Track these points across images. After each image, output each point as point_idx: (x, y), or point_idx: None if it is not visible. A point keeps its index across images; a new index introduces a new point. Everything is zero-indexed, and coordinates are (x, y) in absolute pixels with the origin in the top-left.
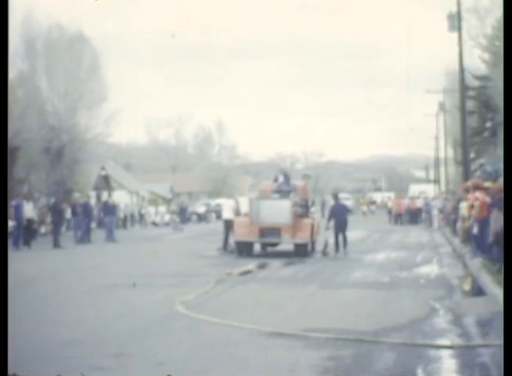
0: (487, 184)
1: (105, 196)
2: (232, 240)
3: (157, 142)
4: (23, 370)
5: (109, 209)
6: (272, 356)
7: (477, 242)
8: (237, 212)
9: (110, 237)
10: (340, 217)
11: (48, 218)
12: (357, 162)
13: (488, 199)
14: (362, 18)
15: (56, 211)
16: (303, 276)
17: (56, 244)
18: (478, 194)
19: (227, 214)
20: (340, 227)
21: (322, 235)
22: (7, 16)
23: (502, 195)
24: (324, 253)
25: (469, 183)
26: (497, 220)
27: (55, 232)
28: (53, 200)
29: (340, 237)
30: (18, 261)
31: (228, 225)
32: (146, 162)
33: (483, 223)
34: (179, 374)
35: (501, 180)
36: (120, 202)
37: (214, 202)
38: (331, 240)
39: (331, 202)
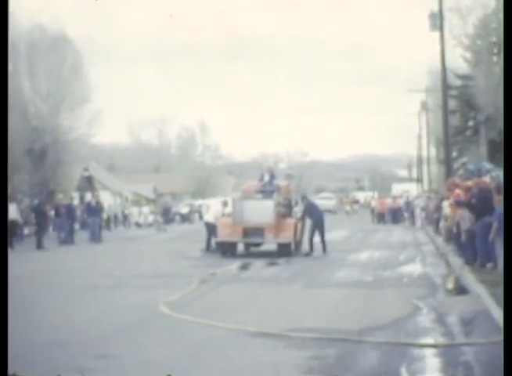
0: (469, 183)
1: (88, 197)
2: (213, 242)
3: (140, 143)
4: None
5: (92, 210)
6: (255, 355)
7: (454, 239)
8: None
9: (94, 238)
10: (317, 216)
11: (32, 220)
12: (340, 161)
13: (460, 197)
14: (345, 17)
15: (40, 213)
16: (286, 275)
17: (40, 246)
18: (458, 191)
19: (209, 216)
20: (319, 226)
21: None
22: (7, 15)
23: (470, 194)
24: (307, 253)
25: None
26: (464, 218)
27: (39, 233)
28: (36, 202)
29: (318, 237)
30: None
31: (210, 228)
32: (129, 163)
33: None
34: (163, 375)
35: (475, 179)
36: (103, 203)
37: (197, 202)
38: (316, 240)
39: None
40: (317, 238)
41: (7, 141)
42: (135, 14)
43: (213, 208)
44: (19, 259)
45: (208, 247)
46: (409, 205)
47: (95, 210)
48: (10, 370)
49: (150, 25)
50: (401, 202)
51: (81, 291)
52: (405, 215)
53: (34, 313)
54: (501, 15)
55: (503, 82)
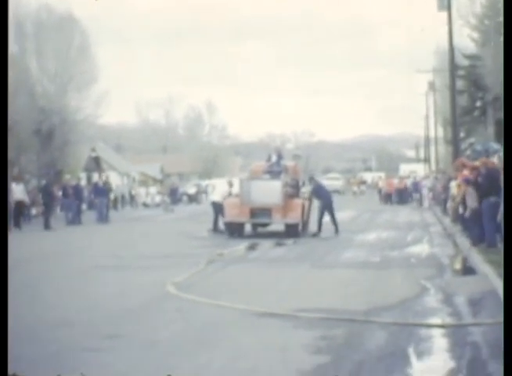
0: (476, 163)
1: (96, 177)
2: (221, 222)
3: (147, 123)
4: (20, 359)
5: (99, 190)
6: (263, 336)
7: (462, 220)
8: (229, 195)
9: (101, 219)
10: (325, 198)
11: (39, 200)
12: (347, 142)
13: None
14: None
15: (47, 193)
16: (294, 256)
17: (47, 226)
18: (466, 172)
19: (215, 196)
20: (328, 207)
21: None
22: (7, 15)
23: (477, 172)
24: (315, 234)
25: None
26: (471, 196)
27: (46, 213)
28: (44, 182)
29: (328, 218)
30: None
31: (217, 207)
32: (137, 143)
33: (465, 201)
34: (171, 355)
35: (483, 159)
36: (111, 183)
37: (204, 183)
38: (325, 221)
39: (329, 183)
40: (326, 219)
41: (7, 121)
42: None
43: (219, 188)
44: (26, 239)
45: (215, 228)
46: (417, 186)
47: (102, 190)
48: (10, 370)
49: (157, 5)
50: (408, 182)
51: (88, 271)
52: (414, 195)
53: (43, 293)
54: None
55: (504, 77)
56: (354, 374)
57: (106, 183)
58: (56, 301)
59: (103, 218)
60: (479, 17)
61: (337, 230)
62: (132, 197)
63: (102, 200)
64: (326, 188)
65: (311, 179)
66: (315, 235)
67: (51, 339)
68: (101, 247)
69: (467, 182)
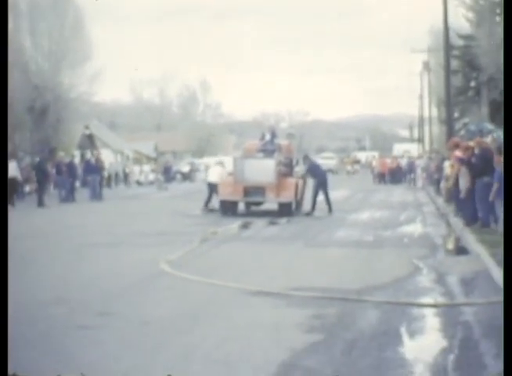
0: (470, 143)
1: (88, 155)
2: (214, 200)
3: (142, 101)
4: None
5: (91, 168)
6: (256, 314)
7: (455, 200)
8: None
9: (94, 196)
10: (320, 176)
11: (33, 177)
12: (341, 121)
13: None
14: None
15: (41, 170)
16: (287, 235)
17: (41, 203)
18: (458, 153)
19: (212, 177)
20: (322, 186)
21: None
22: (6, 14)
23: (471, 152)
24: (308, 213)
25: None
26: (465, 176)
27: (40, 191)
28: (38, 159)
29: (323, 197)
30: None
31: (213, 187)
32: (131, 121)
33: (458, 181)
34: (164, 333)
35: (477, 139)
36: (103, 161)
37: (198, 161)
38: (318, 200)
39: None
40: (320, 198)
41: (7, 99)
42: None
43: (215, 169)
44: (20, 217)
45: (207, 205)
46: (412, 165)
47: (94, 168)
48: (10, 369)
49: None
50: (402, 162)
51: (81, 249)
52: (410, 175)
53: (36, 270)
54: None
55: (504, 74)
56: (346, 352)
57: (99, 161)
58: (49, 278)
59: (96, 196)
60: None
61: (330, 209)
62: (126, 175)
63: (94, 178)
64: (321, 167)
65: (306, 158)
66: (308, 214)
67: (43, 316)
68: (94, 225)
69: (461, 162)
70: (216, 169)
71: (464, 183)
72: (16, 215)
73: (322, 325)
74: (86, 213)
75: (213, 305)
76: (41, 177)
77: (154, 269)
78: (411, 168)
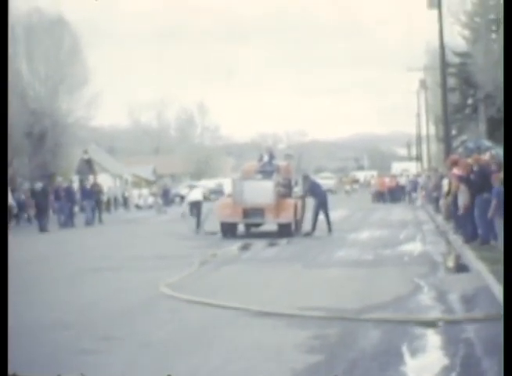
0: (469, 160)
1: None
2: (203, 221)
3: (139, 125)
4: (16, 361)
5: (86, 193)
6: (257, 335)
7: (454, 217)
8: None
9: (88, 221)
10: (320, 196)
11: (31, 203)
12: (339, 141)
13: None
14: None
15: (44, 196)
16: (287, 255)
17: (43, 228)
18: (456, 170)
19: (194, 195)
20: (323, 206)
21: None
22: (7, 15)
23: (470, 169)
24: (307, 233)
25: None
26: (464, 194)
27: (42, 216)
28: (41, 185)
29: (322, 217)
30: None
31: (197, 206)
32: (129, 145)
33: (456, 198)
34: (166, 356)
35: (475, 156)
36: (101, 185)
37: (197, 184)
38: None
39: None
40: (320, 217)
41: (6, 139)
42: None
43: (195, 191)
44: (22, 242)
45: (198, 226)
46: (416, 184)
47: (89, 193)
48: (10, 369)
49: (148, 6)
50: (400, 181)
51: (82, 274)
52: (413, 194)
53: (38, 295)
54: None
55: (504, 79)
56: (348, 372)
57: (95, 185)
58: (51, 302)
59: (89, 221)
60: (470, 15)
61: (330, 229)
62: (125, 199)
63: (89, 203)
64: (321, 186)
65: (306, 177)
66: (308, 234)
67: (46, 340)
68: (95, 249)
69: (460, 179)
70: (197, 190)
71: (463, 200)
72: (19, 240)
73: (324, 345)
74: (86, 238)
75: (214, 327)
76: (45, 202)
77: (154, 292)
78: (414, 186)
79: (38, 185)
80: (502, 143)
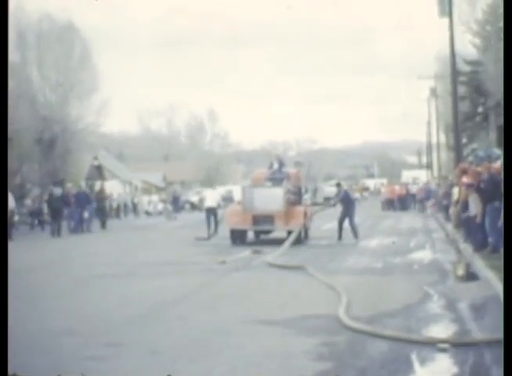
0: (479, 168)
1: (97, 185)
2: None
3: (149, 131)
4: (21, 367)
5: (80, 198)
6: (265, 343)
7: (464, 225)
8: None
9: (76, 229)
10: (352, 205)
11: (43, 209)
12: (349, 149)
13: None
14: (353, 2)
15: (62, 201)
16: (296, 263)
17: (58, 233)
18: (465, 179)
19: (210, 202)
20: (351, 213)
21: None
22: (7, 15)
23: (479, 177)
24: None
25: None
26: (475, 201)
27: (57, 221)
28: (60, 190)
29: (348, 224)
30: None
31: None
32: (139, 151)
33: (466, 207)
34: (174, 363)
35: (486, 164)
36: (113, 191)
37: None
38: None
39: (331, 190)
40: (328, 225)
41: (6, 140)
42: (141, 3)
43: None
44: (34, 247)
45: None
46: (430, 192)
47: (83, 198)
48: (10, 370)
49: (158, 13)
50: (411, 189)
51: (92, 279)
52: (429, 202)
53: (46, 301)
54: None
55: (504, 80)
56: None
57: (100, 192)
58: (59, 309)
59: (75, 229)
60: (480, 23)
61: (356, 236)
62: (135, 206)
63: (81, 209)
64: (352, 195)
65: (339, 185)
66: (339, 240)
67: (53, 347)
68: (105, 256)
69: (470, 187)
70: (212, 196)
71: (475, 209)
72: (27, 245)
73: (332, 353)
74: (95, 244)
75: (222, 334)
76: (61, 208)
77: (163, 298)
78: (428, 194)
79: (57, 190)
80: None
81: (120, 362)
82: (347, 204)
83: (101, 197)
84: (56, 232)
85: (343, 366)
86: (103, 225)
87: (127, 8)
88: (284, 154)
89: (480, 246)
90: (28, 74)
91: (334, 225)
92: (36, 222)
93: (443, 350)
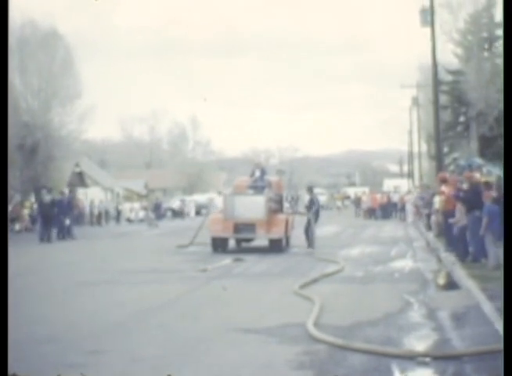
0: (460, 177)
1: (80, 193)
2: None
3: (132, 139)
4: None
5: (42, 206)
6: (247, 351)
7: (445, 235)
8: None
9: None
10: (317, 210)
11: (24, 216)
12: (331, 157)
13: (452, 192)
14: (336, 14)
15: (52, 208)
16: (278, 271)
17: (46, 239)
18: (444, 188)
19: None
20: (316, 219)
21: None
22: (7, 16)
23: (461, 186)
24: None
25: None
26: (460, 212)
27: (47, 228)
28: (49, 197)
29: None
30: None
31: None
32: (121, 158)
33: (448, 216)
34: (154, 371)
35: (467, 174)
36: (94, 198)
37: (188, 198)
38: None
39: (306, 196)
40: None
41: (6, 141)
42: (126, 10)
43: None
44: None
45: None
46: (423, 200)
47: (65, 206)
48: (10, 370)
49: (141, 21)
50: (395, 197)
51: (72, 287)
52: (412, 210)
53: (27, 309)
54: (492, 10)
55: (504, 82)
56: None
57: (73, 200)
58: (40, 316)
59: (58, 236)
60: (462, 33)
61: (312, 245)
62: (119, 213)
63: (63, 216)
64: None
65: (310, 189)
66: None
67: (35, 355)
68: (85, 263)
69: (456, 197)
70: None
71: (460, 218)
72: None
73: (313, 361)
74: (76, 251)
75: (203, 342)
76: (51, 214)
77: (144, 306)
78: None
79: (47, 197)
80: (494, 161)
81: (101, 370)
82: (315, 206)
83: (71, 205)
84: (46, 238)
85: (323, 374)
86: (70, 233)
87: (112, 15)
88: (266, 162)
89: (461, 255)
90: (10, 80)
91: (319, 232)
92: (17, 227)
93: (423, 363)
